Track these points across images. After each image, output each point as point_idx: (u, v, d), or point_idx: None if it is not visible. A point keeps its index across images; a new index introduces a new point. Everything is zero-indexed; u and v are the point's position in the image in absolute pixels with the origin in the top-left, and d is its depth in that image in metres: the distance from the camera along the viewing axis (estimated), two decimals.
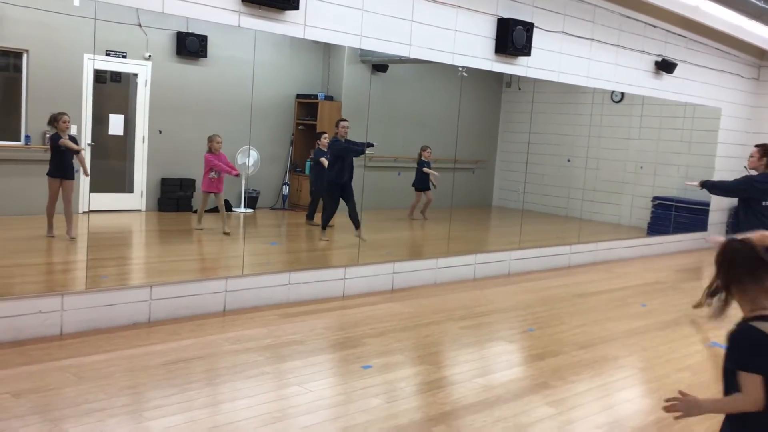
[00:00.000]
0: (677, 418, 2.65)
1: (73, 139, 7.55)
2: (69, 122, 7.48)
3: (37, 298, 5.19)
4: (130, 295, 5.63)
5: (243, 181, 9.65)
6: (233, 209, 9.91)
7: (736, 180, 7.00)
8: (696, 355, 5.86)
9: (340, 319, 6.31)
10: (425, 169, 10.37)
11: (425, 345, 5.69)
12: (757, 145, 6.70)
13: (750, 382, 2.41)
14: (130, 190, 9.27)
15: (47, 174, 7.45)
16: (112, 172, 9.57)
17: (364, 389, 4.56)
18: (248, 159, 9.32)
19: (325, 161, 9.18)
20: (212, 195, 8.70)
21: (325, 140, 9.25)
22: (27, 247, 7.18)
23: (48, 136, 7.63)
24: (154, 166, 9.06)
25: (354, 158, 8.81)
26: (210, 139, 8.66)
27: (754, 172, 6.72)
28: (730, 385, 2.51)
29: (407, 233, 9.03)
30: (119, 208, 8.98)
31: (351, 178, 8.77)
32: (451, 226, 8.62)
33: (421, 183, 10.42)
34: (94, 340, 5.14)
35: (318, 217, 9.23)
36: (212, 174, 8.60)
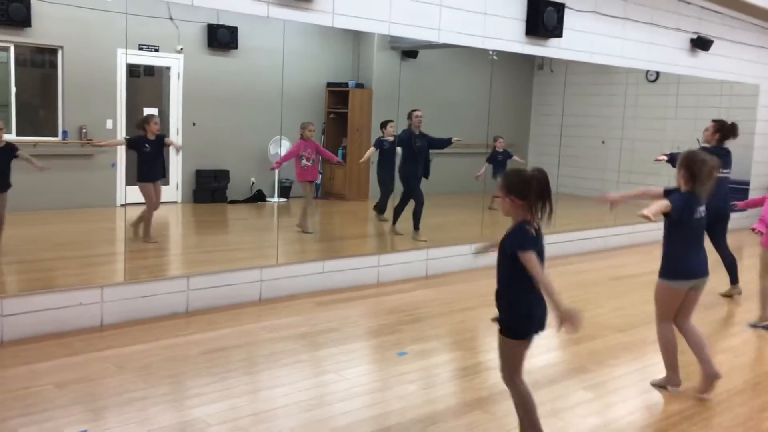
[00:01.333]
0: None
1: (161, 138, 7.55)
2: (159, 124, 7.49)
3: (77, 290, 5.29)
4: (168, 286, 5.72)
5: (276, 171, 9.71)
6: (267, 199, 9.99)
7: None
8: (734, 337, 5.77)
9: (374, 307, 6.33)
10: (517, 158, 10.12)
11: (460, 331, 5.69)
12: (713, 120, 7.10)
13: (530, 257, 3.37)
14: (166, 183, 9.39)
15: (139, 180, 7.43)
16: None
17: (399, 376, 4.57)
18: (280, 149, 9.37)
19: (376, 153, 8.91)
20: (308, 184, 8.58)
21: (391, 128, 8.83)
22: (66, 240, 7.33)
23: (125, 137, 7.73)
24: (189, 158, 9.15)
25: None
26: (302, 126, 8.52)
27: (707, 145, 7.08)
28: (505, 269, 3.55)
29: (441, 219, 9.00)
30: None
31: (427, 174, 8.56)
32: (484, 211, 8.58)
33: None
34: (134, 331, 5.23)
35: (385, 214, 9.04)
36: (304, 162, 8.41)
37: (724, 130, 7.02)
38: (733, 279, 7.07)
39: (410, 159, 8.53)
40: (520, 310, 3.50)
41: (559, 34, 8.20)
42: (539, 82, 12.03)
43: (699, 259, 4.42)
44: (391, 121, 8.79)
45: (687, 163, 4.30)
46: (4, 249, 6.61)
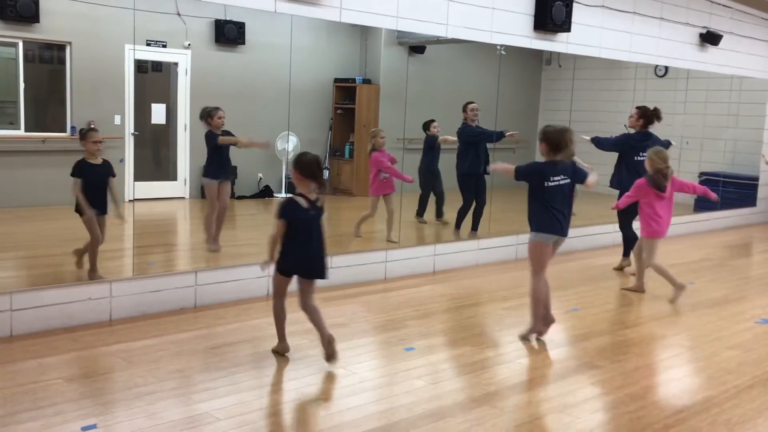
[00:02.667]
0: None
1: (227, 133, 7.23)
2: (224, 117, 7.13)
3: (86, 285, 5.32)
4: (176, 281, 5.73)
5: (284, 167, 9.72)
6: (274, 195, 10.00)
7: (616, 137, 7.92)
8: (745, 333, 5.74)
9: (382, 302, 6.33)
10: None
11: (468, 326, 5.68)
12: (637, 107, 7.59)
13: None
14: (174, 178, 9.42)
15: (205, 176, 7.23)
16: (156, 160, 9.74)
17: (407, 371, 4.57)
18: (288, 144, 9.38)
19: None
20: (381, 197, 7.96)
21: (435, 129, 8.65)
22: (75, 235, 7.34)
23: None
24: (197, 153, 9.15)
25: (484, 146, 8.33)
26: (373, 134, 7.92)
27: (632, 131, 7.74)
28: None
29: (449, 215, 8.99)
30: (163, 196, 9.13)
31: (486, 170, 8.19)
32: (492, 207, 8.56)
33: None
34: (143, 326, 5.25)
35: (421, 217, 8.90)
36: (382, 175, 7.86)
37: (647, 115, 7.43)
38: (626, 253, 7.73)
39: (472, 155, 8.27)
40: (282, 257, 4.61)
41: (568, 29, 8.16)
42: (547, 77, 11.99)
43: (556, 219, 5.15)
44: (434, 120, 8.72)
45: (543, 137, 5.07)
46: (12, 244, 6.65)
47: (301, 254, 4.54)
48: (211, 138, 7.09)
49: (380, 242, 7.94)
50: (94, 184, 5.83)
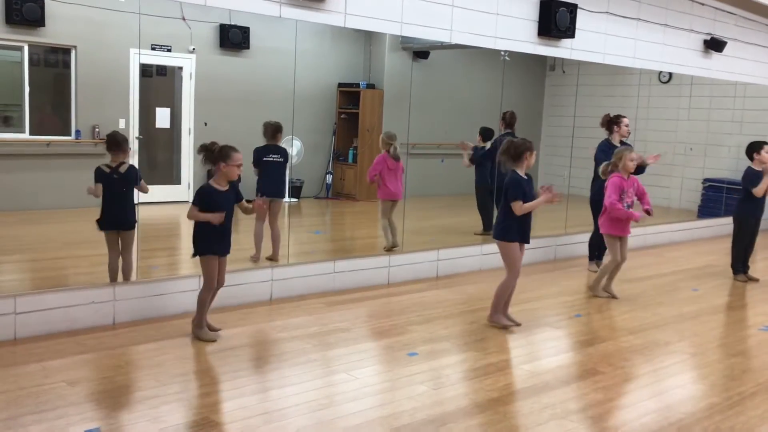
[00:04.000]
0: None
1: (283, 151, 7.04)
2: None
3: (90, 288, 5.32)
4: (180, 285, 5.74)
5: (287, 171, 9.71)
6: None
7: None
8: (749, 340, 5.73)
9: (385, 307, 6.33)
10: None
11: (471, 332, 5.68)
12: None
13: None
14: (178, 182, 9.44)
15: (259, 192, 6.52)
16: (160, 164, 9.76)
17: (410, 376, 4.57)
18: (292, 149, 9.38)
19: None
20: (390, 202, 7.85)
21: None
22: (79, 239, 7.37)
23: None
24: (200, 158, 9.18)
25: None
26: (388, 138, 7.78)
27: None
28: None
29: (452, 220, 8.99)
30: (167, 200, 9.14)
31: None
32: (496, 212, 8.55)
33: None
34: (146, 329, 5.25)
35: None
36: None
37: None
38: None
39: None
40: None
41: (572, 35, 8.17)
42: (551, 83, 12.01)
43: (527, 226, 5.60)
44: (490, 129, 8.58)
45: (503, 150, 5.50)
46: (17, 247, 6.66)
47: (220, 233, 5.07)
48: (260, 152, 7.02)
49: (383, 247, 7.93)
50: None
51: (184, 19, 8.58)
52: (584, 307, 6.53)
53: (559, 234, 8.90)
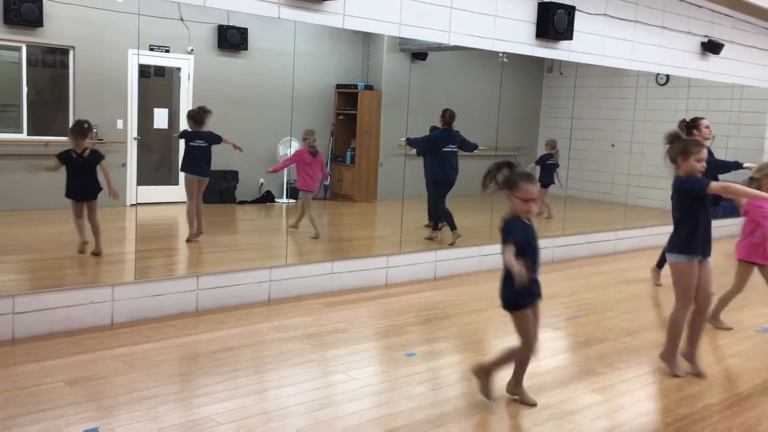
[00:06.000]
0: None
1: (207, 136, 7.64)
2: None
3: (88, 288, 5.32)
4: (178, 285, 5.74)
5: (285, 172, 9.73)
6: (275, 200, 10.02)
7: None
8: (746, 342, 5.75)
9: (383, 308, 6.33)
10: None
11: (469, 333, 5.69)
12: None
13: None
14: (176, 183, 9.42)
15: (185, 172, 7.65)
16: (158, 165, 9.75)
17: (408, 377, 4.58)
18: (290, 150, 9.39)
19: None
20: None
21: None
22: (77, 239, 7.36)
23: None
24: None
25: None
26: (305, 134, 8.42)
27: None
28: None
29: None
30: (165, 201, 9.14)
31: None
32: (493, 215, 8.57)
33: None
34: (144, 330, 5.26)
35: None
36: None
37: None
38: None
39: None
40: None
41: (570, 37, 8.19)
42: (549, 84, 12.03)
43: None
44: (436, 127, 8.71)
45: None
46: (15, 247, 6.66)
47: None
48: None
49: (381, 248, 7.95)
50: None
51: (182, 19, 8.58)
52: (582, 309, 6.54)
53: (557, 235, 8.92)
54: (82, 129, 6.46)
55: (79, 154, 6.37)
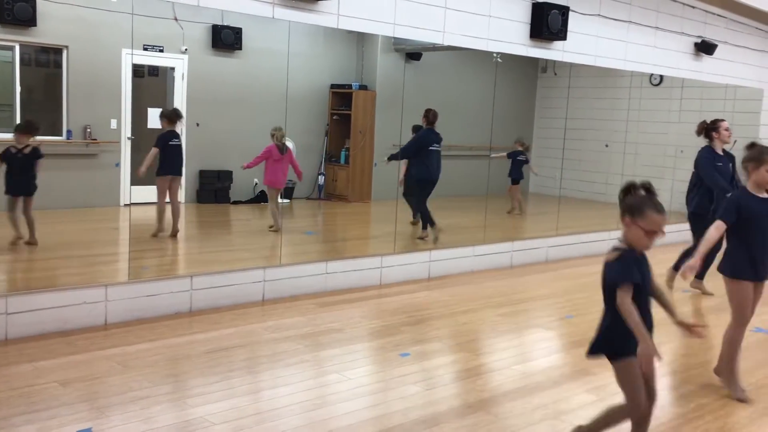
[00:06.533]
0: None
1: (179, 135, 7.81)
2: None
3: (81, 289, 5.30)
4: (172, 286, 5.73)
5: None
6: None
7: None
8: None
9: (377, 308, 6.34)
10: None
11: (463, 333, 5.69)
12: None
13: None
14: None
15: (162, 171, 7.69)
16: (151, 165, 9.71)
17: (402, 377, 4.58)
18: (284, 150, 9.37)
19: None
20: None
21: None
22: (70, 239, 7.35)
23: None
24: (192, 158, 9.17)
25: None
26: (274, 130, 8.43)
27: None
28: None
29: (444, 222, 9.00)
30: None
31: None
32: (487, 214, 8.59)
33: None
34: (138, 330, 5.24)
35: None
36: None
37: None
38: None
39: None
40: None
41: (564, 37, 8.21)
42: (543, 84, 12.05)
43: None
44: (419, 126, 8.74)
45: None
46: (7, 247, 6.64)
47: None
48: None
49: (376, 248, 7.95)
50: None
51: (176, 19, 8.57)
52: (575, 309, 6.55)
53: (551, 235, 8.94)
54: (27, 127, 6.73)
55: (19, 149, 6.52)
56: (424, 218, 8.41)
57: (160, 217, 7.73)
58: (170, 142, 7.72)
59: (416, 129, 8.89)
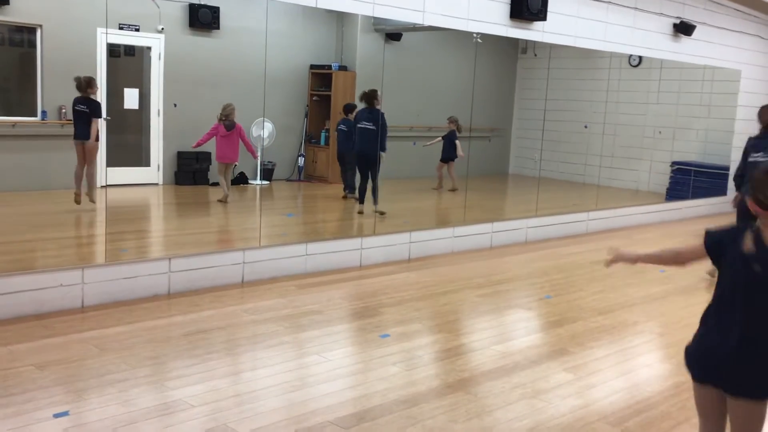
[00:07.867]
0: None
1: (89, 102, 7.66)
2: None
3: (58, 271, 5.24)
4: (150, 268, 5.68)
5: (259, 154, 9.64)
6: (249, 181, 9.94)
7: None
8: None
9: (357, 289, 6.33)
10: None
11: (443, 313, 5.71)
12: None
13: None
14: (147, 164, 9.31)
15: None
16: (129, 146, 9.59)
17: (382, 357, 4.59)
18: (263, 131, 9.31)
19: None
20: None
21: None
22: (46, 221, 7.25)
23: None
24: (170, 139, 9.08)
25: None
26: (222, 109, 8.79)
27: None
28: None
29: (424, 203, 9.02)
30: (136, 182, 9.02)
31: None
32: (467, 195, 8.59)
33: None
34: (115, 312, 5.20)
35: None
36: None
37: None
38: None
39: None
40: None
41: (544, 18, 8.19)
42: (523, 65, 12.04)
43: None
44: (352, 104, 9.08)
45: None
46: None
47: None
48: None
49: (357, 229, 7.94)
50: None
51: None
52: (554, 289, 6.59)
53: (530, 216, 8.97)
54: None
55: None
56: (361, 193, 8.75)
57: (77, 182, 7.70)
58: (76, 107, 7.74)
59: (346, 106, 9.72)
